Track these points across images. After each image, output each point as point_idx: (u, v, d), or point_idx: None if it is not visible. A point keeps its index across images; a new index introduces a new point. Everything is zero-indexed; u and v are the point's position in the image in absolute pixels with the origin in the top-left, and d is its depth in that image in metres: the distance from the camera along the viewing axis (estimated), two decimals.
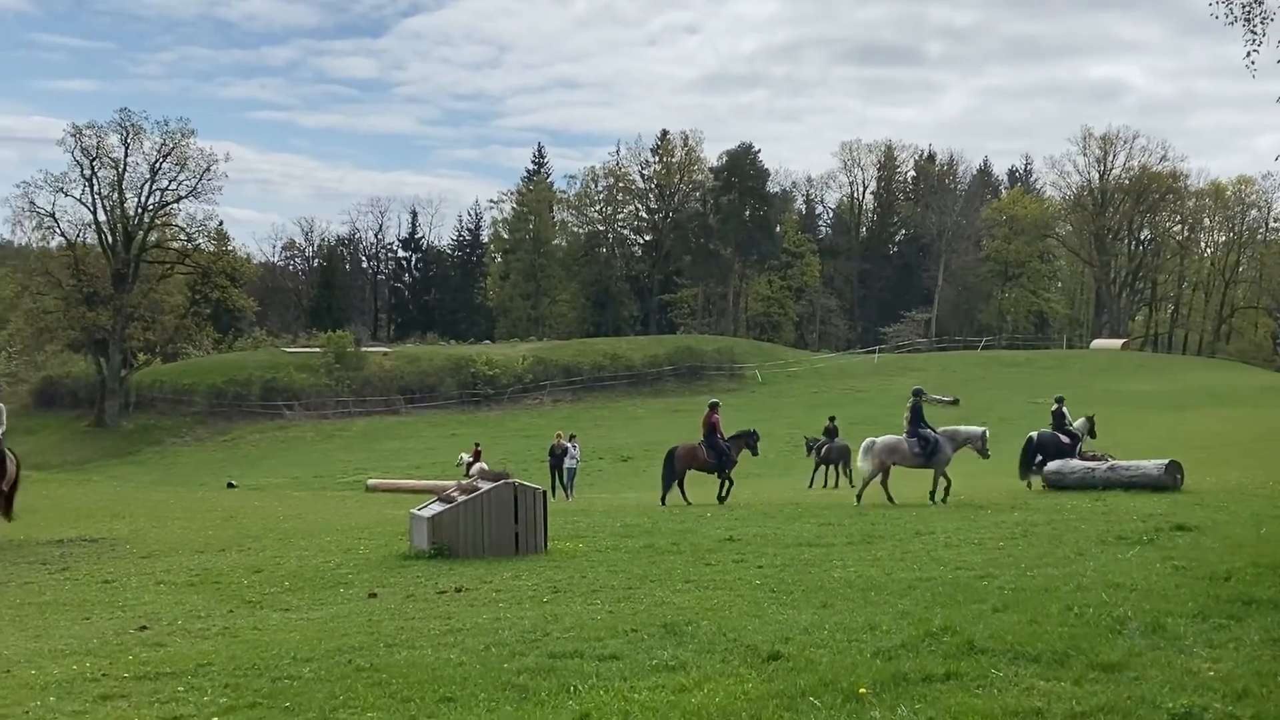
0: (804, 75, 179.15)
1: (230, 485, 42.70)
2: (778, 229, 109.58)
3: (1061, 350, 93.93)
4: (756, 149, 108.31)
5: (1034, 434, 27.16)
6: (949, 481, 22.91)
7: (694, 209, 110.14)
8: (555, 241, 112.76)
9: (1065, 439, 26.76)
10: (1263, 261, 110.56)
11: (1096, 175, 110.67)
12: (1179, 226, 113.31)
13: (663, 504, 24.54)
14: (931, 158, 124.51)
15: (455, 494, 16.86)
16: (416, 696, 8.25)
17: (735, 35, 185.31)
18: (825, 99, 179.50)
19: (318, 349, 77.94)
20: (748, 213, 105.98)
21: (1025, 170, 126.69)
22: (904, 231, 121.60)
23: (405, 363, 78.28)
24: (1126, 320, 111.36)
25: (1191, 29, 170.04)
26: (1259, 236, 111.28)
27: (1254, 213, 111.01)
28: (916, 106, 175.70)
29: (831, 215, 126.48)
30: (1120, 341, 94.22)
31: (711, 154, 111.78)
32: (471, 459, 44.59)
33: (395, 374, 76.04)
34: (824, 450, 34.95)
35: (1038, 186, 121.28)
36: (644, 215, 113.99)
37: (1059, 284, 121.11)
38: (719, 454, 25.14)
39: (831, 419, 37.60)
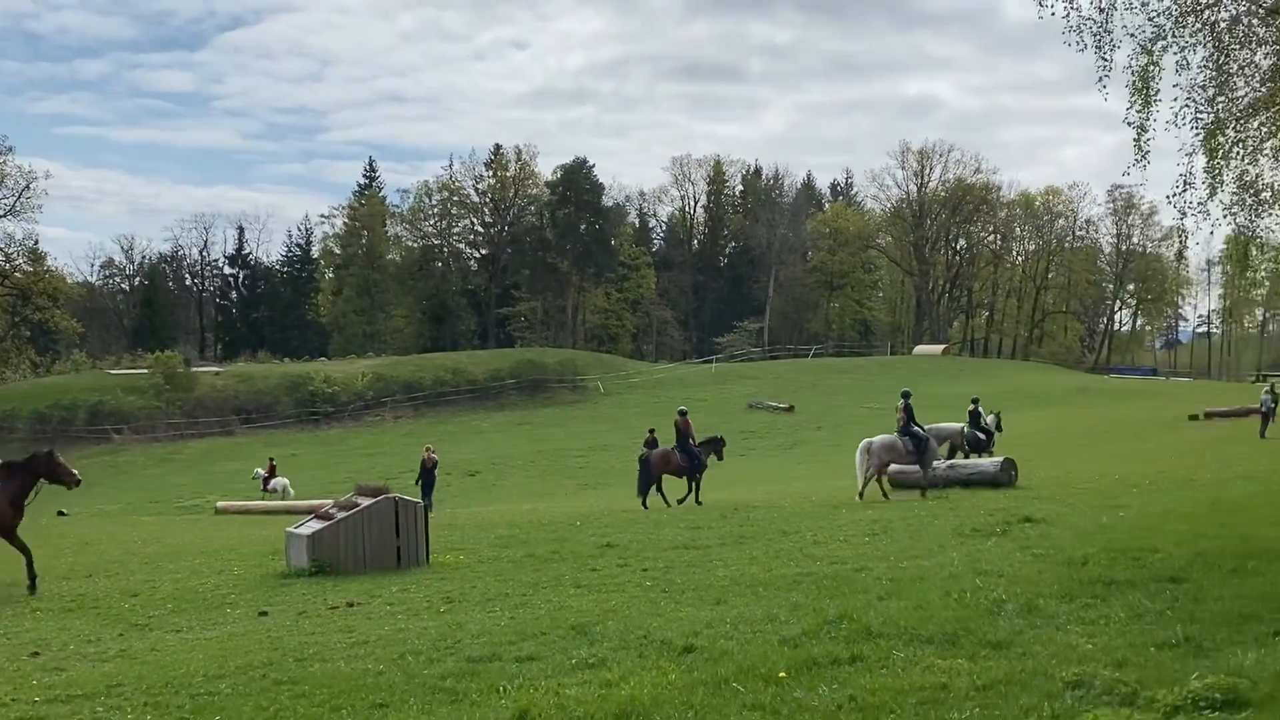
0: (631, 91, 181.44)
1: (60, 514, 40.99)
2: (613, 242, 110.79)
3: (886, 356, 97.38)
4: (590, 163, 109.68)
5: (963, 429, 28.71)
6: (931, 479, 23.87)
7: (530, 223, 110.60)
8: (389, 256, 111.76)
9: (983, 435, 28.66)
10: (1070, 268, 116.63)
11: (914, 188, 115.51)
12: (992, 236, 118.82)
13: (645, 507, 25.63)
14: (758, 172, 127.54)
15: (333, 511, 16.92)
16: (347, 705, 8.47)
17: (562, 51, 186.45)
18: (652, 115, 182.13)
19: (145, 370, 75.37)
20: (584, 226, 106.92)
21: (847, 184, 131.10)
22: (734, 244, 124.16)
23: (238, 382, 76.39)
24: (946, 326, 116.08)
25: (998, 47, 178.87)
26: (1066, 245, 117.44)
27: (1061, 222, 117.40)
28: (741, 122, 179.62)
29: (664, 228, 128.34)
30: (941, 347, 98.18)
31: (545, 168, 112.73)
32: (267, 474, 44.05)
33: (228, 394, 74.13)
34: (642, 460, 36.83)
35: (859, 199, 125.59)
36: (479, 229, 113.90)
37: (881, 293, 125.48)
38: (691, 458, 26.39)
39: (651, 431, 39.28)
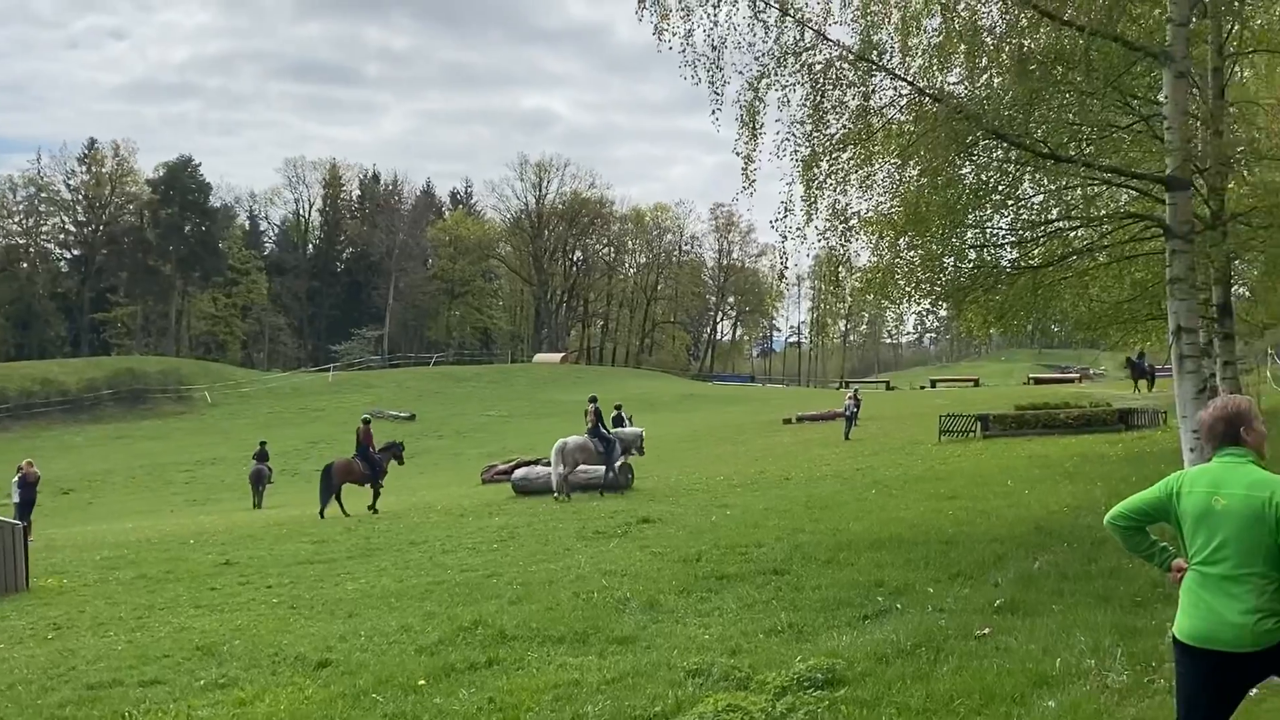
0: (240, 89, 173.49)
1: None
2: (222, 245, 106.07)
3: (507, 364, 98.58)
4: (196, 162, 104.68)
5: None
6: (616, 478, 24.65)
7: (129, 223, 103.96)
8: None
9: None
10: (678, 281, 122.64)
11: (533, 199, 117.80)
12: (607, 249, 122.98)
13: (321, 516, 24.85)
14: (376, 177, 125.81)
15: None
16: None
17: (165, 43, 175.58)
18: (263, 114, 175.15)
19: None
20: (189, 228, 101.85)
21: (467, 193, 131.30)
22: (352, 249, 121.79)
23: None
24: (564, 335, 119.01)
25: (610, 67, 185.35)
26: (674, 259, 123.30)
27: (669, 237, 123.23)
28: (357, 125, 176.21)
29: (277, 232, 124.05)
30: (560, 355, 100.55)
31: (146, 165, 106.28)
32: None
33: None
34: (252, 473, 37.37)
35: (479, 209, 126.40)
36: (71, 229, 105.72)
37: (501, 301, 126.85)
38: (372, 465, 26.12)
39: (262, 443, 39.27)
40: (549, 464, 28.95)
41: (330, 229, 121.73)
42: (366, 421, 27.73)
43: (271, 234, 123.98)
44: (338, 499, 25.96)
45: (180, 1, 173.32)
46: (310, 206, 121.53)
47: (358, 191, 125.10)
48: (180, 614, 12.58)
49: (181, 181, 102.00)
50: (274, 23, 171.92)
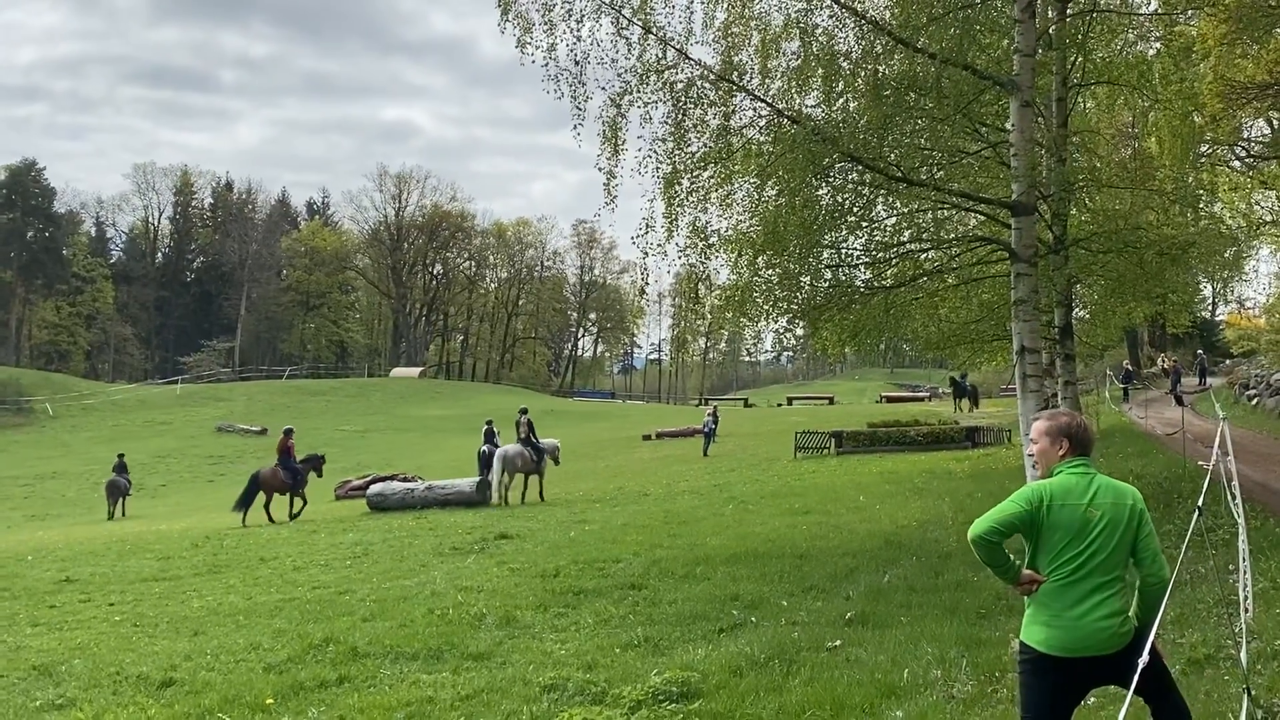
0: (89, 92, 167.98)
1: None
2: (66, 252, 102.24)
3: (363, 379, 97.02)
4: (41, 166, 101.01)
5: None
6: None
7: None
8: None
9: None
10: (539, 296, 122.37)
11: (392, 211, 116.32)
12: (468, 263, 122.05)
13: (243, 525, 24.84)
14: (229, 185, 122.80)
15: None
16: None
17: (10, 44, 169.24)
18: (113, 118, 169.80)
19: None
20: (31, 234, 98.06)
21: (324, 203, 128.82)
22: (203, 259, 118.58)
23: None
24: (423, 349, 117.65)
25: (473, 81, 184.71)
26: (535, 274, 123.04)
27: (531, 252, 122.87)
28: (211, 132, 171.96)
29: (125, 239, 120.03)
30: (418, 370, 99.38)
31: None
32: None
33: None
34: (108, 484, 37.02)
35: (336, 220, 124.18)
36: None
37: (358, 314, 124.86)
38: (293, 475, 26.69)
39: (120, 455, 38.74)
40: (405, 479, 28.88)
41: (180, 238, 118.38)
42: (288, 433, 28.34)
43: (119, 241, 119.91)
44: (265, 507, 25.98)
45: (27, 1, 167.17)
46: (160, 214, 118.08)
47: (210, 200, 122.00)
48: (17, 632, 12.04)
49: (24, 185, 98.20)
50: (128, 26, 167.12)
